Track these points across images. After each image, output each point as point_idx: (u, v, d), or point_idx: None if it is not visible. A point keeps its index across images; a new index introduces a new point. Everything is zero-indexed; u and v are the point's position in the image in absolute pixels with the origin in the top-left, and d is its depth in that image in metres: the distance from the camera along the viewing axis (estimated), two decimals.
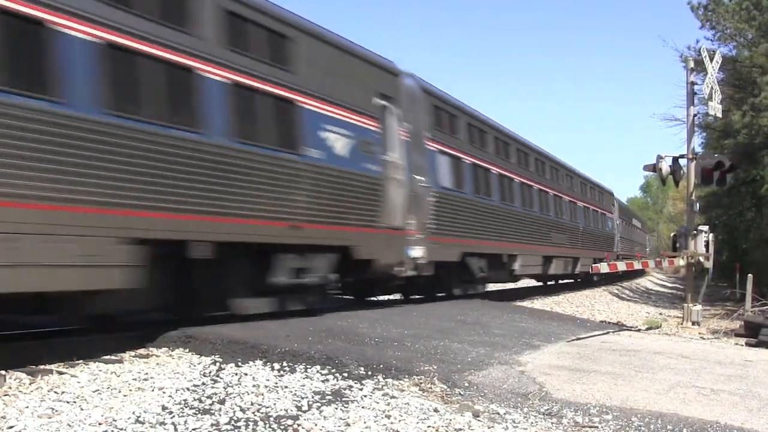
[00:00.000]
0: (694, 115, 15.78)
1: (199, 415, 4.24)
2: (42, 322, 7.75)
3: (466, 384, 5.46)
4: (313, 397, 4.83)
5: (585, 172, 26.02)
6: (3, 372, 4.97)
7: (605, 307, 18.41)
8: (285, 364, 5.82)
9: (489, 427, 4.42)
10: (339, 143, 9.25)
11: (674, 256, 15.60)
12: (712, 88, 14.80)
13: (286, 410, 4.48)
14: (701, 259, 14.96)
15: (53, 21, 5.75)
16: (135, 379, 5.10)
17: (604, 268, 18.13)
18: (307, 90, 8.66)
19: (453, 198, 12.83)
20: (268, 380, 5.29)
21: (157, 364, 5.73)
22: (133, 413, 4.19)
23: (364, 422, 4.30)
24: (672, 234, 16.93)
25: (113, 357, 5.96)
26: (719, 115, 15.69)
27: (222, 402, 4.58)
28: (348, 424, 4.25)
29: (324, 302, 9.59)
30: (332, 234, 9.05)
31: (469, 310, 10.83)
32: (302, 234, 8.39)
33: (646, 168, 15.83)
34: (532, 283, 23.91)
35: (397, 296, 13.10)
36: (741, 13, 18.46)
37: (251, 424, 4.13)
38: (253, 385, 5.09)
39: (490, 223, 14.58)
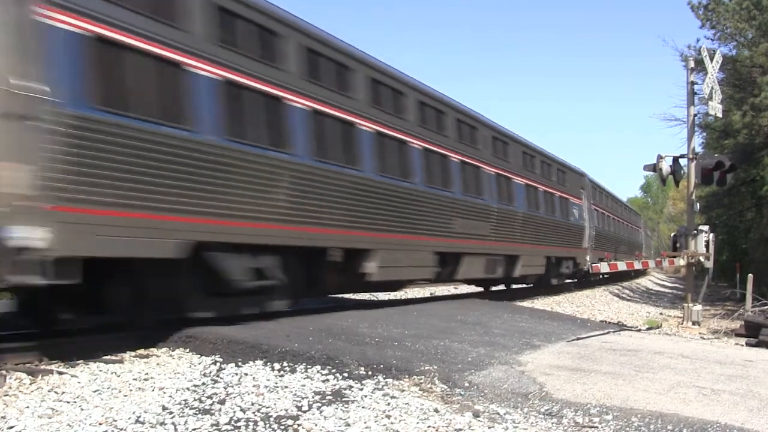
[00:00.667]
0: (695, 115, 15.80)
1: (200, 415, 4.24)
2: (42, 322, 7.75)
3: (467, 384, 5.45)
4: (313, 397, 4.83)
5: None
6: (3, 372, 4.98)
7: (605, 307, 18.40)
8: (285, 364, 5.82)
9: (489, 427, 4.42)
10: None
11: (674, 256, 15.62)
12: (712, 87, 14.81)
13: (287, 410, 4.48)
14: (701, 259, 14.99)
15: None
16: (135, 379, 5.10)
17: (604, 267, 18.18)
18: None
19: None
20: (268, 380, 5.29)
21: (158, 364, 5.73)
22: (134, 413, 4.19)
23: (365, 422, 4.30)
24: (672, 234, 16.94)
25: (113, 357, 5.96)
26: (719, 114, 15.70)
27: (222, 402, 4.58)
28: (348, 424, 4.25)
29: None
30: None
31: (469, 310, 10.83)
32: None
33: (646, 168, 15.86)
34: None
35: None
36: (741, 13, 18.46)
37: (251, 424, 4.13)
38: (254, 385, 5.09)
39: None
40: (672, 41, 58.87)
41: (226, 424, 4.10)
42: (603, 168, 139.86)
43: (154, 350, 6.31)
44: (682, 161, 15.28)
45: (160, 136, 6.63)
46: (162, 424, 4.02)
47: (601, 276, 25.91)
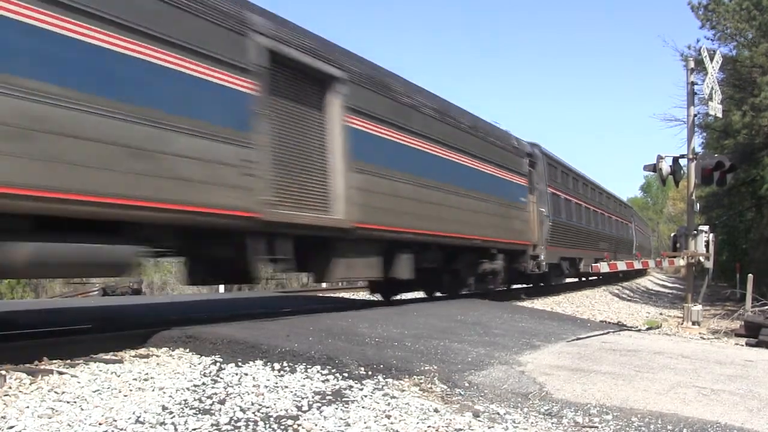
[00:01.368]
0: (695, 115, 15.81)
1: (200, 415, 4.24)
2: (42, 322, 7.76)
3: (467, 384, 5.46)
4: (313, 397, 4.83)
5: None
6: (3, 372, 4.97)
7: (605, 307, 18.40)
8: (285, 364, 5.82)
9: (489, 427, 4.42)
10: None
11: (674, 256, 15.62)
12: (712, 88, 14.82)
13: (287, 410, 4.48)
14: (701, 259, 15.00)
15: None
16: (135, 379, 5.10)
17: (604, 267, 18.19)
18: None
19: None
20: (268, 380, 5.29)
21: (158, 364, 5.73)
22: (134, 413, 4.19)
23: (365, 422, 4.30)
24: (672, 234, 16.94)
25: (113, 357, 5.96)
26: (719, 115, 15.71)
27: (222, 402, 4.58)
28: (348, 424, 4.25)
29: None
30: None
31: (469, 310, 10.83)
32: None
33: (646, 168, 15.86)
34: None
35: None
36: (741, 13, 18.46)
37: (251, 424, 4.13)
38: (254, 385, 5.09)
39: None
40: (672, 41, 58.45)
41: (226, 424, 4.10)
42: (603, 168, 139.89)
43: (154, 350, 6.31)
44: (682, 161, 15.29)
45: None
46: (162, 424, 4.02)
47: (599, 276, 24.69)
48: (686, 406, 5.07)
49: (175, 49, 6.55)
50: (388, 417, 4.45)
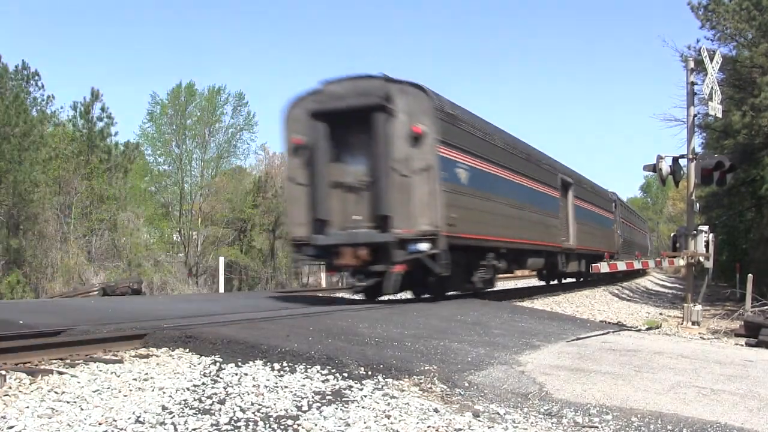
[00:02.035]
0: (694, 116, 15.80)
1: (199, 415, 4.24)
2: (42, 322, 7.75)
3: (466, 384, 5.46)
4: (313, 397, 4.84)
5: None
6: (3, 372, 4.97)
7: (605, 307, 18.41)
8: (285, 364, 5.82)
9: (489, 427, 4.42)
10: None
11: (674, 256, 15.62)
12: (712, 88, 14.81)
13: (286, 410, 4.48)
14: (701, 259, 14.99)
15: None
16: (135, 379, 5.10)
17: (604, 267, 18.18)
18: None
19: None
20: (268, 380, 5.29)
21: (157, 364, 5.73)
22: (133, 413, 4.19)
23: (364, 422, 4.30)
24: (672, 234, 16.94)
25: (113, 357, 5.96)
26: (719, 115, 15.70)
27: (222, 402, 4.58)
28: (348, 424, 4.25)
29: None
30: None
31: (469, 310, 10.83)
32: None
33: (646, 168, 15.86)
34: (533, 282, 24.07)
35: None
36: (741, 13, 18.45)
37: (251, 424, 4.13)
38: (253, 385, 5.09)
39: None
40: (672, 42, 58.46)
41: (226, 424, 4.10)
42: (603, 168, 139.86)
43: (153, 350, 6.31)
44: (682, 161, 15.28)
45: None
46: (162, 424, 4.02)
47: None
48: (686, 406, 5.07)
49: (538, 183, 16.98)
50: (388, 417, 4.45)
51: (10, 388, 4.69)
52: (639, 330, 11.81)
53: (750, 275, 14.96)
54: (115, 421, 4.02)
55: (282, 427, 4.13)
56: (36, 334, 6.87)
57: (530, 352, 7.18)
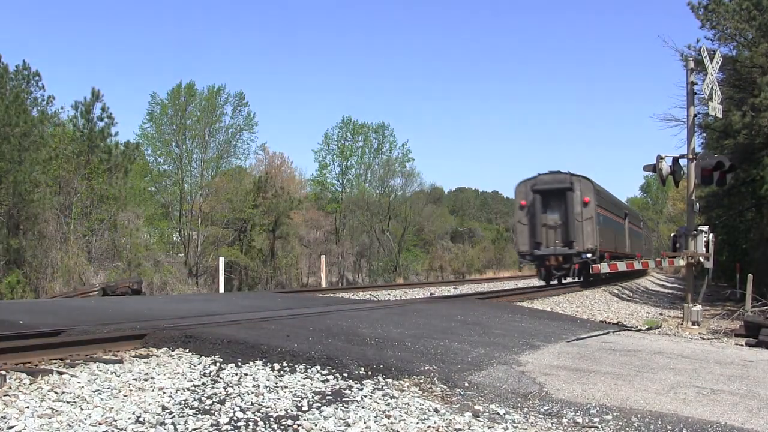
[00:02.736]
0: (695, 116, 15.80)
1: (200, 416, 4.24)
2: (42, 322, 7.75)
3: (467, 384, 5.46)
4: (313, 397, 4.84)
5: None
6: (3, 372, 4.97)
7: (605, 307, 18.40)
8: (285, 364, 5.83)
9: (489, 427, 4.42)
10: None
11: (674, 257, 15.61)
12: (712, 88, 14.81)
13: (286, 410, 4.48)
14: (701, 259, 14.99)
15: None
16: (135, 380, 5.10)
17: (604, 268, 18.20)
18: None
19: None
20: (268, 380, 5.29)
21: (157, 364, 5.73)
22: (134, 413, 4.20)
23: (364, 422, 4.30)
24: (672, 234, 16.94)
25: (113, 357, 5.96)
26: (719, 115, 15.69)
27: (222, 402, 4.58)
28: (348, 425, 4.25)
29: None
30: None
31: (469, 310, 10.83)
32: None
33: (646, 168, 15.85)
34: (533, 282, 24.50)
35: None
36: (741, 13, 18.45)
37: (251, 424, 4.13)
38: (254, 386, 5.09)
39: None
40: (672, 42, 58.56)
41: (226, 424, 4.10)
42: (603, 168, 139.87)
43: (153, 350, 6.31)
44: (682, 161, 15.28)
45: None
46: (162, 424, 4.02)
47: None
48: (686, 406, 5.07)
49: (620, 218, 29.38)
50: (388, 417, 4.45)
51: (10, 388, 4.69)
52: (639, 330, 11.81)
53: (750, 275, 14.97)
54: (115, 421, 4.02)
55: (282, 427, 4.13)
56: (36, 334, 6.87)
57: (530, 352, 7.18)
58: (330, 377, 5.49)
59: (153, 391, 4.80)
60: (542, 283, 23.35)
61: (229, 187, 42.05)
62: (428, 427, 4.31)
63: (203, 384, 5.07)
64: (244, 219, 40.14)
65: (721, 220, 28.16)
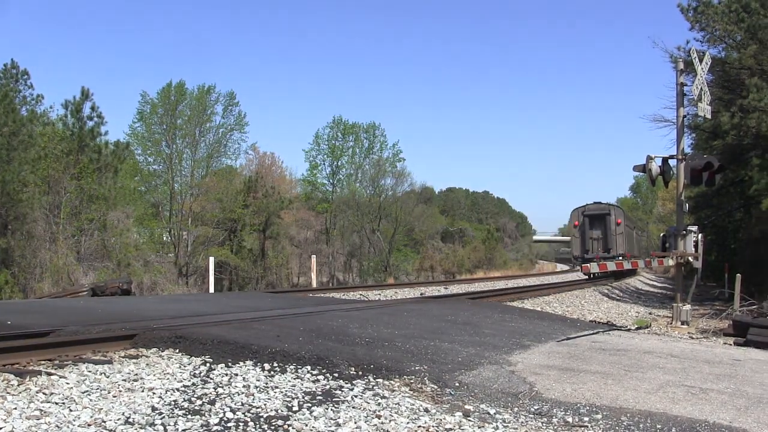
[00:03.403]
0: (684, 116, 15.86)
1: (190, 416, 4.22)
2: (30, 322, 7.70)
3: (457, 384, 5.47)
4: (303, 398, 4.83)
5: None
6: None
7: (595, 307, 18.48)
8: (275, 364, 5.81)
9: (479, 427, 4.43)
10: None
11: (664, 256, 15.70)
12: (701, 89, 14.88)
13: (277, 410, 4.47)
14: (690, 259, 15.06)
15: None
16: (125, 380, 5.07)
17: (594, 267, 18.25)
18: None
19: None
20: (258, 380, 5.28)
21: (147, 364, 5.70)
22: (123, 414, 4.17)
23: (355, 422, 4.30)
24: (661, 234, 17.02)
25: (102, 357, 5.93)
26: (708, 116, 15.78)
27: (212, 402, 4.57)
28: (338, 425, 4.25)
29: None
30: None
31: (459, 310, 10.85)
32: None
33: (635, 168, 15.90)
34: (524, 282, 24.66)
35: None
36: (730, 15, 18.57)
37: (242, 424, 4.12)
38: (244, 386, 5.08)
39: None
40: (662, 43, 59.04)
41: (216, 424, 4.09)
42: (592, 168, 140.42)
43: (143, 351, 6.28)
44: (672, 162, 15.35)
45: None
46: (152, 424, 4.00)
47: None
48: (675, 405, 5.10)
49: (637, 232, 45.51)
50: (379, 417, 4.45)
51: None
52: (629, 329, 11.87)
53: (738, 275, 15.08)
54: (105, 422, 4.00)
55: (272, 427, 4.12)
56: (24, 334, 6.82)
57: (520, 351, 7.20)
58: (320, 377, 5.49)
59: (143, 391, 4.77)
60: (585, 277, 31.30)
61: (219, 187, 41.92)
62: (419, 427, 4.31)
63: (193, 384, 5.05)
64: (235, 219, 40.02)
65: (710, 220, 28.36)
